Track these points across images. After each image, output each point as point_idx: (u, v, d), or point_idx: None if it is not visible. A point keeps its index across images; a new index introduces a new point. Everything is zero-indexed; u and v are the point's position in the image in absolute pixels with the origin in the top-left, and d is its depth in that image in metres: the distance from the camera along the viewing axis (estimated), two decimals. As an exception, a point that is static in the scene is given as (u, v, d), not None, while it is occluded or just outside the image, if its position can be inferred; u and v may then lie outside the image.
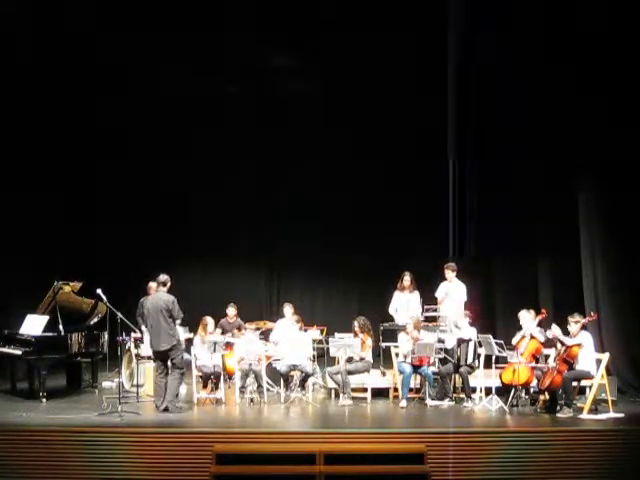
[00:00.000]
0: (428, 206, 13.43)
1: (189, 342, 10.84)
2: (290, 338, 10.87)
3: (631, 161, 11.01)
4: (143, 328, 11.66)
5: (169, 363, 9.84)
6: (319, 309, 13.91)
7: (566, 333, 9.95)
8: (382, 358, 11.60)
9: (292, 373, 10.65)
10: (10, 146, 11.94)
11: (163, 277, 9.98)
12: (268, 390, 10.70)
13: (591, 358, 9.92)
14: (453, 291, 11.59)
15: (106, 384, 11.31)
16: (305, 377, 10.61)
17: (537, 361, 10.13)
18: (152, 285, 11.90)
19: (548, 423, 9.45)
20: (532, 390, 10.23)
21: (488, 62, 12.64)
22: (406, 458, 8.40)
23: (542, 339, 10.10)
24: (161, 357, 9.81)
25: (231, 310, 11.77)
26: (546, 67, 11.83)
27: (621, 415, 9.69)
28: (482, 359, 10.53)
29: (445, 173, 13.50)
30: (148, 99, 13.27)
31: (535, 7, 11.82)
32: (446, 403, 10.35)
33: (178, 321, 9.86)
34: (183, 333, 11.31)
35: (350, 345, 10.53)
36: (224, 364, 10.72)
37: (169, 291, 9.95)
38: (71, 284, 10.78)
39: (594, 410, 9.75)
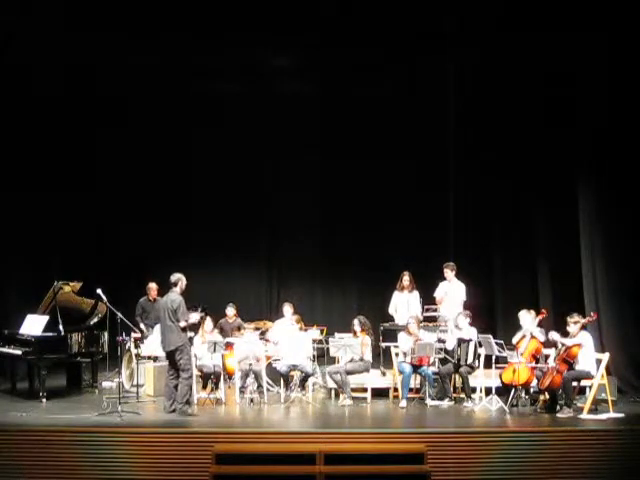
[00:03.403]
0: (428, 206, 13.43)
1: (189, 342, 10.82)
2: (290, 338, 10.88)
3: (631, 161, 11.01)
4: (142, 326, 11.72)
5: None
6: (319, 309, 13.90)
7: (566, 334, 9.95)
8: (382, 358, 11.61)
9: (292, 373, 10.66)
10: (11, 146, 11.93)
11: (173, 277, 9.76)
12: (268, 390, 10.70)
13: (591, 358, 9.91)
14: (453, 291, 11.61)
15: (106, 384, 11.30)
16: (305, 377, 10.61)
17: (537, 361, 10.12)
18: (152, 285, 11.94)
19: (548, 423, 9.45)
20: (532, 390, 10.23)
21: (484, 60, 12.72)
22: (406, 458, 8.38)
23: (542, 339, 10.10)
24: (170, 358, 9.69)
25: (230, 310, 11.78)
26: (546, 65, 11.85)
27: (621, 415, 9.69)
28: (482, 359, 10.52)
29: (445, 173, 13.51)
30: (149, 97, 13.29)
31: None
32: (446, 403, 10.35)
33: (182, 323, 9.58)
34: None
35: (350, 345, 10.54)
36: (224, 364, 10.73)
37: (185, 292, 9.79)
38: (71, 284, 10.78)
39: (594, 410, 9.74)
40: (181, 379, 9.60)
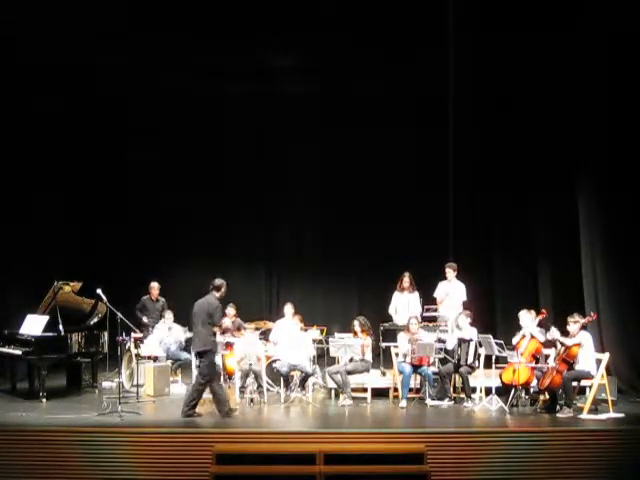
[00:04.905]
0: (428, 206, 13.42)
1: (189, 342, 10.82)
2: (290, 338, 10.88)
3: (631, 161, 11.00)
4: (145, 320, 11.72)
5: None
6: (319, 309, 13.89)
7: (566, 333, 9.95)
8: (382, 358, 11.61)
9: (292, 373, 10.66)
10: (11, 146, 11.93)
11: (217, 281, 9.72)
12: (268, 390, 10.70)
13: (591, 358, 9.91)
14: (453, 291, 11.61)
15: (106, 384, 11.31)
16: (305, 377, 10.61)
17: (537, 361, 10.13)
18: (154, 285, 11.96)
19: (548, 423, 9.45)
20: (532, 390, 10.24)
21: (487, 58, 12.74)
22: (406, 458, 8.39)
23: (542, 339, 10.10)
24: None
25: (230, 310, 11.76)
26: (545, 68, 11.86)
27: (621, 415, 9.69)
28: (482, 359, 10.53)
29: (445, 173, 13.49)
30: (148, 98, 13.30)
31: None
32: (446, 403, 10.35)
33: (216, 328, 9.57)
34: (183, 333, 11.34)
35: (350, 345, 10.54)
36: (224, 364, 10.73)
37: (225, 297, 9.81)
38: (71, 284, 10.78)
39: (594, 410, 9.74)
40: (195, 382, 9.60)
